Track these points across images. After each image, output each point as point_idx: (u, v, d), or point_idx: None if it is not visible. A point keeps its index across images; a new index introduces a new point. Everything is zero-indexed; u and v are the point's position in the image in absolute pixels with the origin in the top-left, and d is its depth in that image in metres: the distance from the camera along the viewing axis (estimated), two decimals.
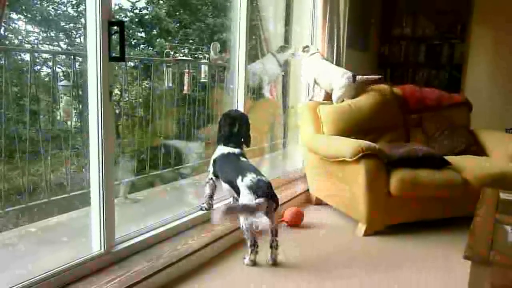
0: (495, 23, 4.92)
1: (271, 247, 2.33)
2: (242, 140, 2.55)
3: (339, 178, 2.96)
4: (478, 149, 3.43)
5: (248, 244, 2.31)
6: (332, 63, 3.56)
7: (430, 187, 2.81)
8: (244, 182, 2.24)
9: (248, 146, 2.59)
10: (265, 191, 2.19)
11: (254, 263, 2.32)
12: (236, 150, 2.48)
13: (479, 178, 2.89)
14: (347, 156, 2.72)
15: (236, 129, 2.52)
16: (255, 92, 3.89)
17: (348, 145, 2.77)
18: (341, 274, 2.30)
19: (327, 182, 3.16)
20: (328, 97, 3.50)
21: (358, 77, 3.33)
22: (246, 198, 2.20)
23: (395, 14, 5.45)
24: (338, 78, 3.33)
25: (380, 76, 3.43)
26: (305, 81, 3.59)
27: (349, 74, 3.32)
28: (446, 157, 3.01)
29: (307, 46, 3.56)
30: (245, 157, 2.50)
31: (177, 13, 6.63)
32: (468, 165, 3.01)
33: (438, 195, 2.87)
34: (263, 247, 2.35)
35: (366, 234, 2.82)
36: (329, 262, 2.44)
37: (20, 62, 3.83)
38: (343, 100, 3.36)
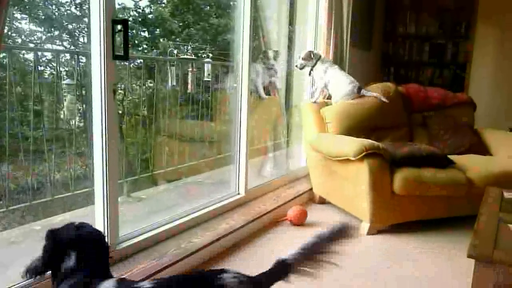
0: (500, 22, 4.89)
1: None
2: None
3: (343, 176, 2.96)
4: (482, 148, 3.42)
5: None
6: (336, 62, 3.55)
7: (434, 186, 2.80)
8: None
9: None
10: None
11: None
12: None
13: (483, 177, 2.88)
14: (350, 155, 2.72)
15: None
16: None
17: (352, 144, 2.77)
18: (343, 273, 2.29)
19: (330, 181, 3.16)
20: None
21: (363, 91, 3.35)
22: None
23: (399, 12, 5.42)
24: (346, 84, 3.35)
25: (386, 99, 3.33)
26: (320, 86, 3.46)
27: (356, 84, 3.35)
28: (450, 156, 3.01)
29: (310, 52, 3.41)
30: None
31: (181, 13, 6.62)
32: (472, 164, 3.00)
33: (442, 194, 2.86)
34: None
35: (370, 233, 2.82)
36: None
37: (23, 61, 3.84)
38: None
